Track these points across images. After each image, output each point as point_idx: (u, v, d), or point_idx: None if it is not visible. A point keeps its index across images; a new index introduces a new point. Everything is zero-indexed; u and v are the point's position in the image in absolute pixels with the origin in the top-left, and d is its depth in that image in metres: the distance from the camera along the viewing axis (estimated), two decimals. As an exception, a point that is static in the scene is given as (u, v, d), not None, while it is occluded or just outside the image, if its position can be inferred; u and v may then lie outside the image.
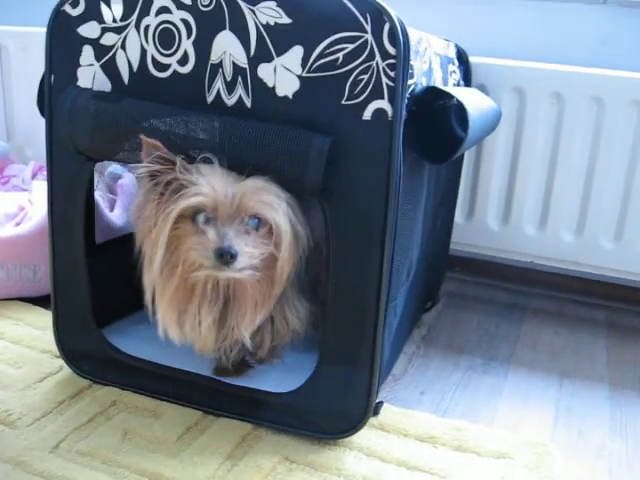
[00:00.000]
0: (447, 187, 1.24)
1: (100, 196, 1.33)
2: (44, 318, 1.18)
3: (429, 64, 0.93)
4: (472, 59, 1.29)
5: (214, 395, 0.94)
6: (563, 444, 0.94)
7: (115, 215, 1.29)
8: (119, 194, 1.39)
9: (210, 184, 0.80)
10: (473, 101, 0.95)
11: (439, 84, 1.00)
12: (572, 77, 1.27)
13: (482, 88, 1.32)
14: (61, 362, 1.03)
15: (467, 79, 1.27)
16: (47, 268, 1.14)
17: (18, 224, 1.30)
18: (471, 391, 1.08)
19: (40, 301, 1.26)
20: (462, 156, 1.30)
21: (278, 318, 0.91)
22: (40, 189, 1.36)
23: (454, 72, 1.15)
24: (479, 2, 1.46)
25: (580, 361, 1.20)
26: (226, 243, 0.79)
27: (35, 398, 0.96)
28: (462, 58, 1.25)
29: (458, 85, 1.17)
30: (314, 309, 0.94)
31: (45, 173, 1.48)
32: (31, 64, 1.70)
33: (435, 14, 1.48)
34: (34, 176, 1.62)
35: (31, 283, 1.26)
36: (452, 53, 1.17)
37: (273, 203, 0.81)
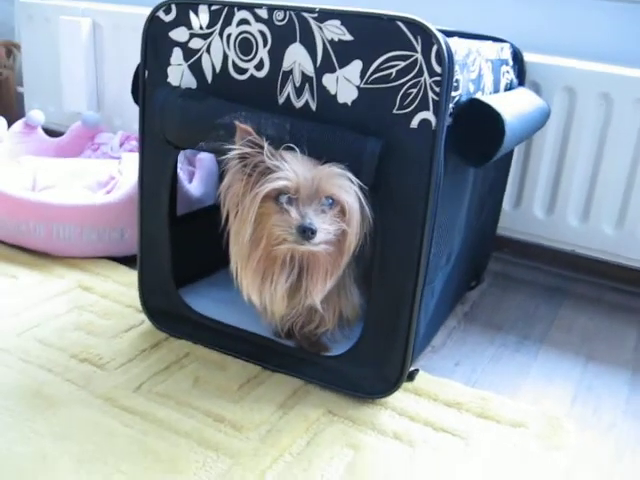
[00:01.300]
0: (496, 177, 1.35)
1: (180, 168, 1.48)
2: (129, 276, 1.35)
3: (478, 71, 1.04)
4: (527, 57, 1.37)
5: (272, 353, 1.09)
6: (577, 419, 1.05)
7: (193, 187, 1.44)
8: (197, 167, 1.54)
9: (293, 169, 0.91)
10: (515, 106, 1.06)
11: (489, 87, 1.10)
12: (621, 79, 1.35)
13: (535, 86, 1.41)
14: (143, 316, 1.20)
15: (521, 78, 1.36)
16: (133, 231, 1.32)
17: (109, 192, 1.47)
18: (501, 366, 1.19)
19: (125, 260, 1.43)
20: (511, 150, 1.39)
21: (332, 303, 1.04)
22: (129, 161, 1.52)
23: (507, 72, 1.24)
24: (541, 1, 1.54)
25: (609, 346, 1.29)
26: (307, 221, 0.91)
27: (122, 345, 1.12)
28: (517, 58, 1.34)
29: (511, 84, 1.27)
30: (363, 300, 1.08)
31: (132, 142, 1.66)
32: (121, 41, 1.85)
33: (496, 13, 1.56)
34: (121, 144, 1.78)
35: (118, 244, 1.43)
36: (506, 54, 1.26)
37: (345, 186, 0.92)
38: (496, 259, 1.60)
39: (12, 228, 1.41)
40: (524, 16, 1.56)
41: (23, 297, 1.25)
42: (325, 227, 0.92)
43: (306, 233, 0.91)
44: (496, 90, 1.15)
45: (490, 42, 1.19)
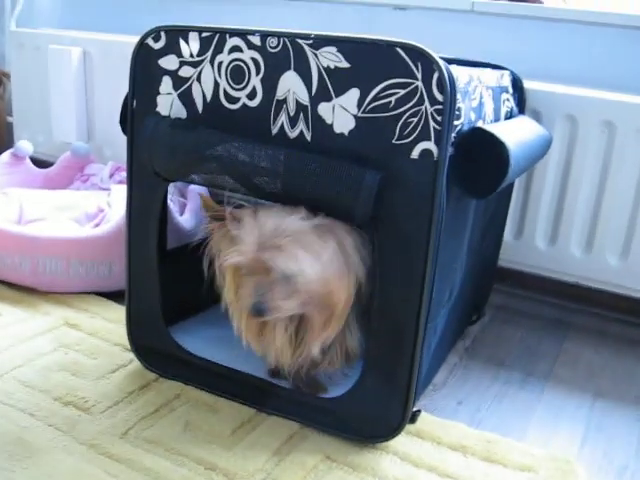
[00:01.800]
0: (497, 208, 1.31)
1: (171, 200, 1.44)
2: (117, 312, 1.30)
3: (479, 99, 1.00)
4: (527, 85, 1.34)
5: (267, 395, 1.03)
6: (588, 462, 1.00)
7: (184, 219, 1.40)
8: (189, 199, 1.50)
9: (247, 242, 0.89)
10: (518, 135, 1.02)
11: (490, 115, 1.07)
12: (623, 107, 1.32)
13: (536, 114, 1.38)
14: (132, 355, 1.14)
15: (521, 105, 1.33)
16: (121, 265, 1.27)
17: (97, 225, 1.42)
18: (506, 404, 1.15)
19: (114, 296, 1.38)
20: (512, 181, 1.36)
21: (338, 342, 0.99)
22: (118, 193, 1.48)
23: (507, 100, 1.21)
24: (540, 27, 1.51)
25: (617, 382, 1.25)
26: (256, 300, 0.89)
27: (108, 387, 1.07)
28: (517, 85, 1.31)
29: (511, 112, 1.23)
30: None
31: (122, 173, 1.62)
32: (112, 70, 1.82)
33: (494, 39, 1.54)
34: (111, 175, 1.74)
35: (106, 279, 1.38)
36: (506, 82, 1.23)
37: (298, 256, 0.88)
38: (497, 291, 1.56)
39: (-3, 262, 1.36)
40: (523, 43, 1.54)
41: (6, 335, 1.20)
42: (278, 304, 0.89)
43: (257, 313, 0.89)
44: (497, 118, 1.11)
45: (490, 69, 1.16)
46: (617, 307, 1.52)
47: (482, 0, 1.58)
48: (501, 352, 1.33)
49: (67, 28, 2.11)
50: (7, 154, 1.73)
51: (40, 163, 1.89)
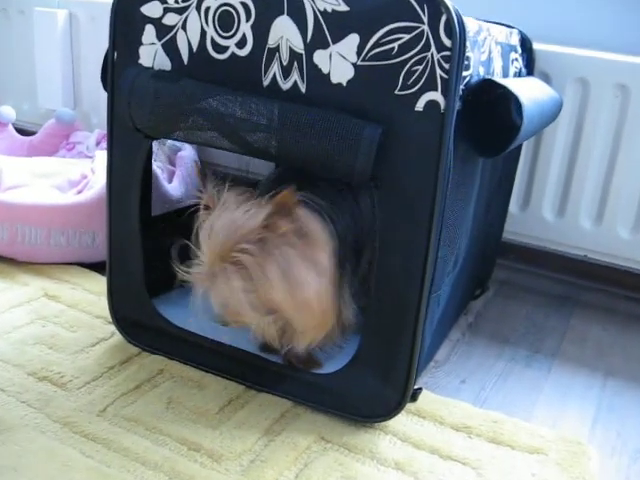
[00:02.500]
0: (503, 174, 1.23)
1: (159, 167, 1.37)
2: (100, 284, 1.22)
3: (488, 53, 0.93)
4: (536, 46, 1.27)
5: (257, 371, 0.96)
6: (600, 444, 0.94)
7: (173, 187, 1.32)
8: (178, 166, 1.42)
9: (204, 252, 0.85)
10: (530, 92, 0.95)
11: (498, 73, 0.99)
12: (638, 69, 1.24)
13: (545, 76, 1.30)
14: (113, 328, 1.07)
15: (530, 67, 1.25)
16: (105, 235, 1.19)
17: (80, 192, 1.35)
18: (512, 383, 1.08)
19: (98, 267, 1.30)
20: (520, 144, 1.28)
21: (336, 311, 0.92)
22: (102, 159, 1.40)
23: (516, 60, 1.13)
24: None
25: (627, 360, 1.19)
26: (219, 312, 0.85)
27: (87, 362, 1.00)
28: (525, 46, 1.23)
29: (520, 73, 1.16)
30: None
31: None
32: (99, 33, 1.74)
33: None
34: (98, 143, 1.66)
35: (90, 249, 1.30)
36: (515, 40, 1.15)
37: (254, 275, 0.83)
38: (501, 266, 1.49)
39: (-27, 231, 1.29)
40: (533, 4, 1.46)
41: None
42: (240, 317, 0.85)
43: (222, 324, 0.87)
44: (505, 77, 1.04)
45: (499, 26, 1.08)
46: (626, 283, 1.45)
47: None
48: (506, 329, 1.26)
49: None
50: (-11, 120, 1.65)
51: (26, 132, 1.81)
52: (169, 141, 1.49)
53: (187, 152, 1.44)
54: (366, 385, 0.89)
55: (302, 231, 0.84)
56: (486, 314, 1.32)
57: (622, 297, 1.44)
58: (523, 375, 1.11)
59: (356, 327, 0.94)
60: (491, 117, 0.83)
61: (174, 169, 1.43)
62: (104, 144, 1.65)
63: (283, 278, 0.83)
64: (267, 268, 0.82)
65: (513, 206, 1.39)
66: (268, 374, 0.96)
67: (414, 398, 0.94)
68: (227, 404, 0.93)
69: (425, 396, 0.98)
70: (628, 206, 1.31)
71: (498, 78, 0.92)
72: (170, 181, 1.37)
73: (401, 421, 0.92)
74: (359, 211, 0.96)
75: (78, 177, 1.39)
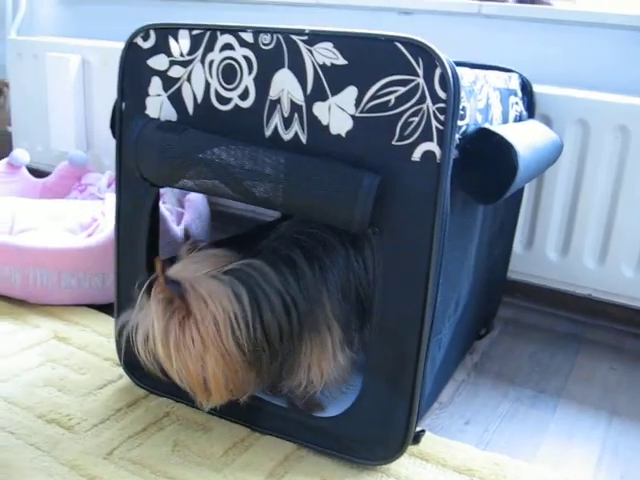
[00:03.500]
0: (505, 217, 1.25)
1: (168, 209, 1.39)
2: (109, 325, 1.24)
3: (486, 101, 0.95)
4: (536, 89, 1.29)
5: (261, 414, 0.97)
6: (603, 486, 0.94)
7: (181, 229, 1.34)
8: (187, 208, 1.45)
9: None
10: (527, 138, 0.97)
11: (498, 119, 1.01)
12: (638, 111, 1.26)
13: (546, 119, 1.32)
14: (121, 370, 1.09)
15: (530, 110, 1.27)
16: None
17: (90, 235, 1.37)
18: (516, 424, 1.08)
19: (107, 308, 1.32)
20: (521, 189, 1.30)
21: (314, 368, 0.94)
22: (112, 202, 1.43)
23: (516, 104, 1.16)
24: (549, 29, 1.46)
25: (633, 399, 1.18)
26: None
27: (95, 404, 1.01)
28: (526, 89, 1.25)
29: (520, 117, 1.18)
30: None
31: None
32: (111, 78, 1.77)
33: (502, 42, 1.49)
34: (109, 185, 1.69)
35: (100, 291, 1.33)
36: (515, 84, 1.18)
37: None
38: (507, 305, 1.50)
39: (-14, 274, 1.32)
40: (532, 46, 1.48)
41: (-16, 349, 1.15)
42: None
43: None
44: (505, 122, 1.06)
45: (497, 72, 1.11)
46: (632, 321, 1.45)
47: (489, 3, 1.53)
48: (511, 368, 1.27)
49: (66, 36, 2.07)
50: (2, 163, 1.68)
51: (39, 173, 1.85)
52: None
53: (196, 195, 1.47)
54: (368, 428, 0.90)
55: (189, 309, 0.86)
56: (491, 353, 1.32)
57: (629, 334, 1.44)
58: (528, 415, 1.11)
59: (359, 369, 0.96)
60: (488, 165, 0.85)
61: (183, 211, 1.45)
62: (115, 186, 1.68)
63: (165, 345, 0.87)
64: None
65: (517, 246, 1.41)
66: (272, 417, 0.97)
67: (417, 440, 0.95)
68: (232, 447, 0.94)
69: (428, 438, 0.98)
70: (631, 245, 1.32)
71: (495, 125, 0.94)
72: (179, 223, 1.39)
73: (403, 464, 0.93)
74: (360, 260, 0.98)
75: (89, 220, 1.42)
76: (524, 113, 1.21)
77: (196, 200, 1.45)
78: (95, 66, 1.83)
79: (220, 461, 0.91)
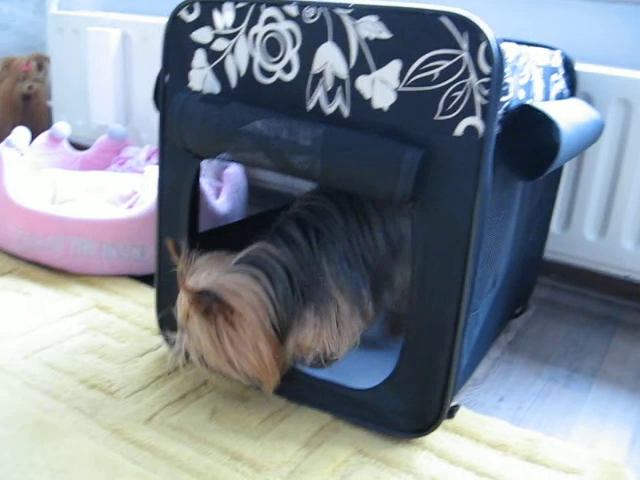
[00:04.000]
0: (544, 194, 1.24)
1: (207, 183, 1.41)
2: (149, 296, 1.26)
3: (529, 77, 0.94)
4: (578, 67, 1.27)
5: (298, 385, 0.99)
6: (637, 465, 0.94)
7: (219, 203, 1.36)
8: (225, 182, 1.46)
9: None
10: (569, 115, 0.96)
11: (539, 95, 1.00)
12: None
13: (587, 97, 1.31)
14: (160, 339, 1.11)
15: (572, 88, 1.26)
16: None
17: (131, 206, 1.40)
18: (550, 402, 1.08)
19: (147, 279, 1.34)
20: (560, 167, 1.29)
21: (318, 338, 0.96)
22: (152, 174, 1.45)
23: (557, 81, 1.14)
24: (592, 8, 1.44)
25: (669, 382, 1.18)
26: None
27: (135, 371, 1.04)
28: (568, 67, 1.24)
29: (562, 95, 1.17)
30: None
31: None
32: (151, 53, 1.79)
33: (544, 19, 1.47)
34: (148, 158, 1.72)
35: (139, 262, 1.35)
36: (557, 62, 1.17)
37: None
38: (542, 285, 1.49)
39: (29, 243, 1.34)
40: (575, 24, 1.46)
41: (35, 316, 1.18)
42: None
43: None
44: (546, 99, 1.05)
45: (540, 48, 1.10)
46: (670, 304, 1.44)
47: (532, -20, 1.51)
48: (546, 348, 1.27)
49: (107, 10, 2.09)
50: (44, 135, 1.71)
51: (79, 147, 1.87)
52: (216, 158, 1.53)
53: (234, 169, 1.48)
54: (404, 401, 0.91)
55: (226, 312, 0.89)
56: (526, 333, 1.32)
57: (666, 317, 1.43)
58: (562, 395, 1.11)
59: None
60: (530, 141, 0.85)
61: (221, 185, 1.47)
62: (154, 159, 1.70)
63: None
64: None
65: (555, 226, 1.40)
66: (308, 388, 0.98)
67: (451, 415, 0.96)
68: (268, 417, 0.96)
69: (462, 413, 0.99)
70: (671, 227, 1.31)
71: (537, 102, 0.93)
72: (217, 197, 1.41)
73: (438, 437, 0.94)
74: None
75: (129, 192, 1.44)
76: (566, 91, 1.20)
77: (234, 174, 1.46)
78: (135, 41, 1.84)
79: (257, 430, 0.93)
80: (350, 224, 0.98)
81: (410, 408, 0.91)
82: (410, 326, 0.89)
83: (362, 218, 1.00)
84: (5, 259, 1.40)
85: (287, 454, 0.88)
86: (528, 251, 1.24)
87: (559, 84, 1.15)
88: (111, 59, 1.85)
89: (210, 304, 0.88)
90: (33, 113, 2.31)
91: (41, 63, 2.28)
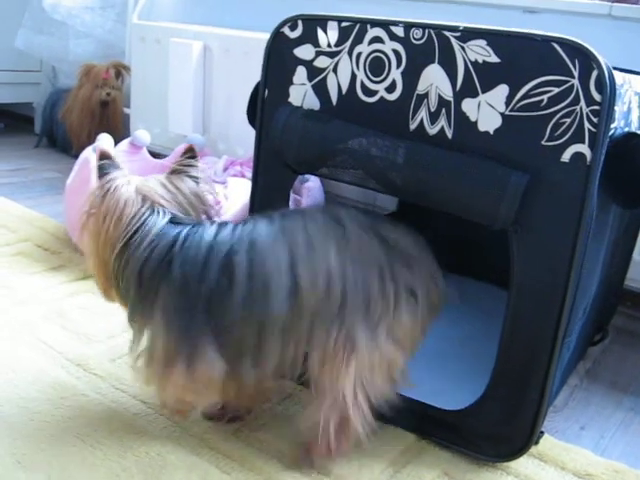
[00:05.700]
0: (630, 221, 1.23)
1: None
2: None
3: (628, 104, 0.93)
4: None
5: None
6: None
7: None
8: (304, 196, 1.47)
9: None
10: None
11: (635, 122, 0.99)
12: None
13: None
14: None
15: (663, 116, 1.24)
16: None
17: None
18: (632, 433, 1.07)
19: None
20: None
21: None
22: (235, 186, 1.47)
23: (651, 109, 1.13)
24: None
25: None
26: None
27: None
28: (660, 94, 1.22)
29: (653, 122, 1.15)
30: None
31: (236, 167, 1.62)
32: (231, 65, 1.83)
33: (631, 45, 1.45)
34: (225, 169, 1.74)
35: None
36: (651, 90, 1.15)
37: None
38: (618, 313, 1.47)
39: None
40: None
41: (122, 319, 1.20)
42: None
43: None
44: (641, 127, 1.04)
45: (637, 75, 1.08)
46: None
47: (620, 4, 1.50)
48: (624, 377, 1.25)
49: (187, 22, 2.14)
50: (125, 142, 1.75)
51: (155, 155, 1.91)
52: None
53: (314, 183, 1.50)
54: (493, 425, 0.91)
55: None
56: (603, 361, 1.30)
57: None
58: (644, 426, 1.09)
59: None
60: (634, 169, 0.84)
61: (300, 199, 1.48)
62: (231, 170, 1.73)
63: None
64: None
65: (635, 252, 1.38)
66: (397, 409, 0.98)
67: (537, 441, 0.95)
68: (354, 434, 0.96)
69: (546, 440, 0.98)
70: None
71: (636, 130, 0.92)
72: (295, 210, 1.42)
73: (523, 463, 0.93)
74: None
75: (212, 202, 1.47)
76: (657, 119, 1.18)
77: (314, 188, 1.47)
78: (216, 53, 1.87)
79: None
80: None
81: (498, 432, 0.91)
82: (503, 350, 0.89)
83: None
84: (88, 262, 1.43)
85: (374, 472, 0.88)
86: (610, 278, 1.23)
87: (652, 111, 1.13)
88: (192, 70, 1.89)
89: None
90: (110, 120, 2.37)
91: (120, 71, 2.34)
